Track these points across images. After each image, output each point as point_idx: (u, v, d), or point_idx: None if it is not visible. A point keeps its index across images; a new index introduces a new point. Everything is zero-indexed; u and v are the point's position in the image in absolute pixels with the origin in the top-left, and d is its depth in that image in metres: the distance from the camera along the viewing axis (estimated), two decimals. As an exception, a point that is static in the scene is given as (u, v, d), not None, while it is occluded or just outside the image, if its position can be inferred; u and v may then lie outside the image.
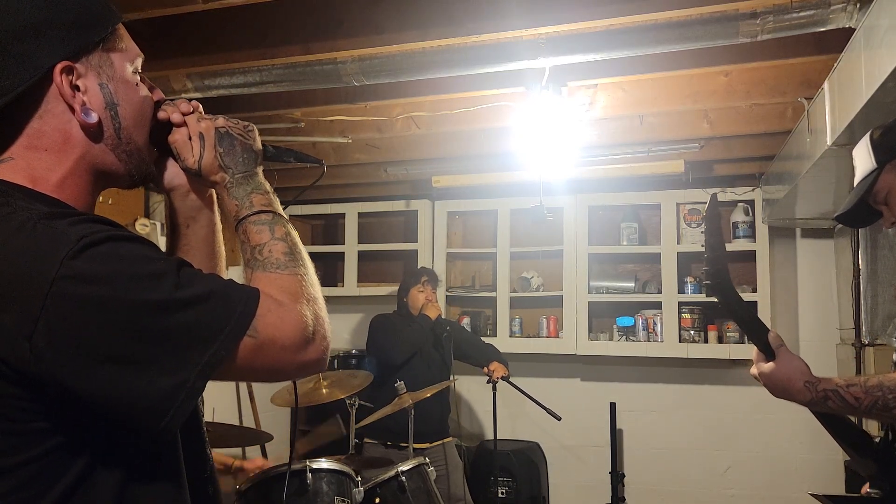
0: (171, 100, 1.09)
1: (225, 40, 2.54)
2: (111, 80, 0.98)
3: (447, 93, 3.03)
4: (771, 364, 1.55)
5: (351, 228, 4.91)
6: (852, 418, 1.66)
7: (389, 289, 4.57)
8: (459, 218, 5.00)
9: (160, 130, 1.07)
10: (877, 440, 1.64)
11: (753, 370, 1.60)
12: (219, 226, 1.20)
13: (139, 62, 1.03)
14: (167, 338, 0.85)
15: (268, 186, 1.08)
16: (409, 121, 3.40)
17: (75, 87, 0.94)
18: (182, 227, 1.17)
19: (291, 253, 1.00)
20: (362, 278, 4.88)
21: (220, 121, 1.08)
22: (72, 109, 0.94)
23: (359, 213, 4.91)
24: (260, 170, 1.10)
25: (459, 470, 3.93)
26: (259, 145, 1.11)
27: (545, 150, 3.47)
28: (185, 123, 1.08)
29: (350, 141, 3.69)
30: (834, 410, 1.52)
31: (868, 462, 1.62)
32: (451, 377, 3.71)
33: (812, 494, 1.78)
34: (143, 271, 0.85)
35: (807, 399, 1.51)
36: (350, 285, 4.85)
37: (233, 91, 2.69)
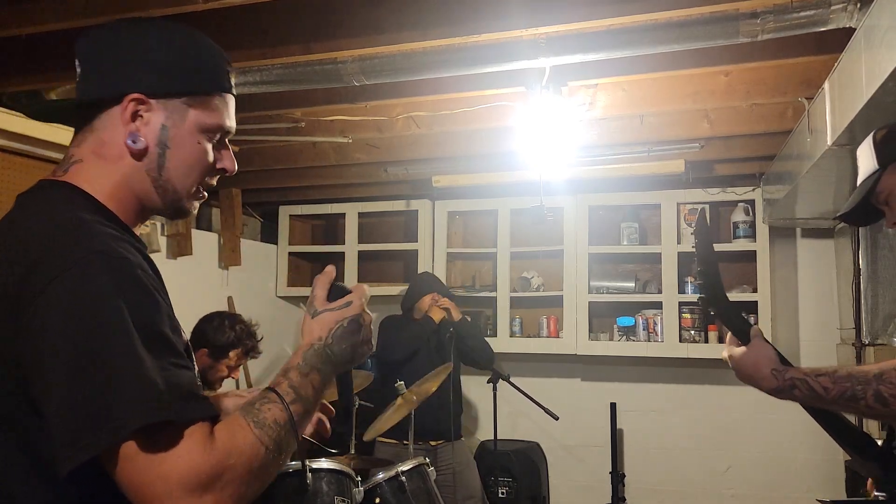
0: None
1: (225, 40, 2.51)
2: (175, 126, 1.10)
3: (447, 93, 3.03)
4: (742, 349, 1.56)
5: (351, 228, 4.89)
6: (852, 419, 1.66)
7: (390, 289, 4.57)
8: (459, 218, 4.99)
9: None
10: (880, 442, 1.63)
11: (724, 353, 1.62)
12: None
13: (218, 135, 1.14)
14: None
15: (317, 385, 1.11)
16: (409, 121, 3.40)
17: (138, 116, 1.08)
18: None
19: (282, 429, 1.00)
20: (362, 278, 4.87)
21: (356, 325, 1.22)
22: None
23: (359, 213, 4.89)
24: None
25: (472, 468, 3.93)
26: (349, 359, 1.21)
27: (545, 149, 3.47)
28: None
29: (350, 141, 3.68)
30: (800, 399, 1.51)
31: (872, 465, 1.62)
32: (451, 372, 3.69)
33: (820, 501, 1.77)
34: (100, 314, 0.90)
35: (772, 386, 1.50)
36: (350, 285, 4.83)
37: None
